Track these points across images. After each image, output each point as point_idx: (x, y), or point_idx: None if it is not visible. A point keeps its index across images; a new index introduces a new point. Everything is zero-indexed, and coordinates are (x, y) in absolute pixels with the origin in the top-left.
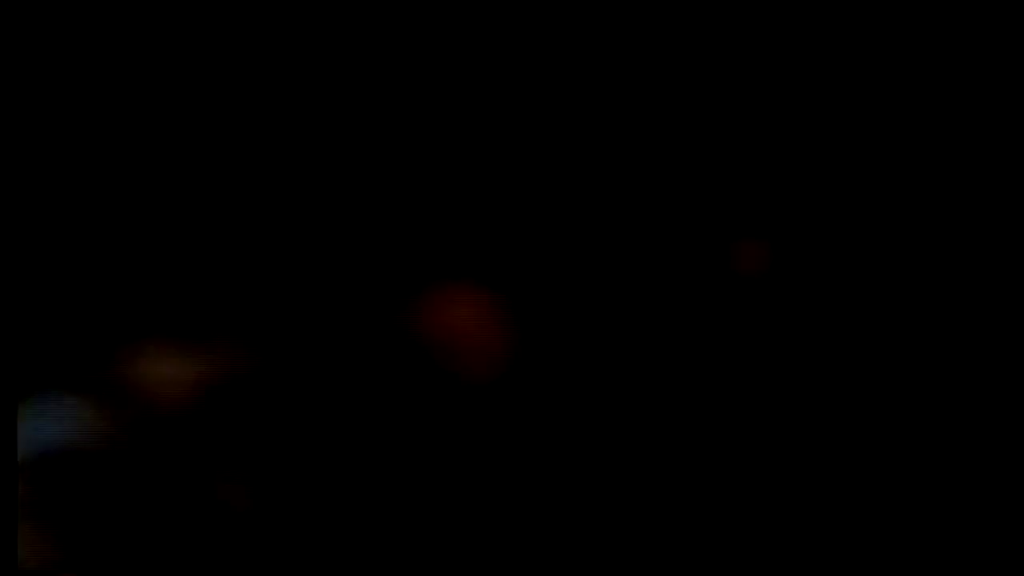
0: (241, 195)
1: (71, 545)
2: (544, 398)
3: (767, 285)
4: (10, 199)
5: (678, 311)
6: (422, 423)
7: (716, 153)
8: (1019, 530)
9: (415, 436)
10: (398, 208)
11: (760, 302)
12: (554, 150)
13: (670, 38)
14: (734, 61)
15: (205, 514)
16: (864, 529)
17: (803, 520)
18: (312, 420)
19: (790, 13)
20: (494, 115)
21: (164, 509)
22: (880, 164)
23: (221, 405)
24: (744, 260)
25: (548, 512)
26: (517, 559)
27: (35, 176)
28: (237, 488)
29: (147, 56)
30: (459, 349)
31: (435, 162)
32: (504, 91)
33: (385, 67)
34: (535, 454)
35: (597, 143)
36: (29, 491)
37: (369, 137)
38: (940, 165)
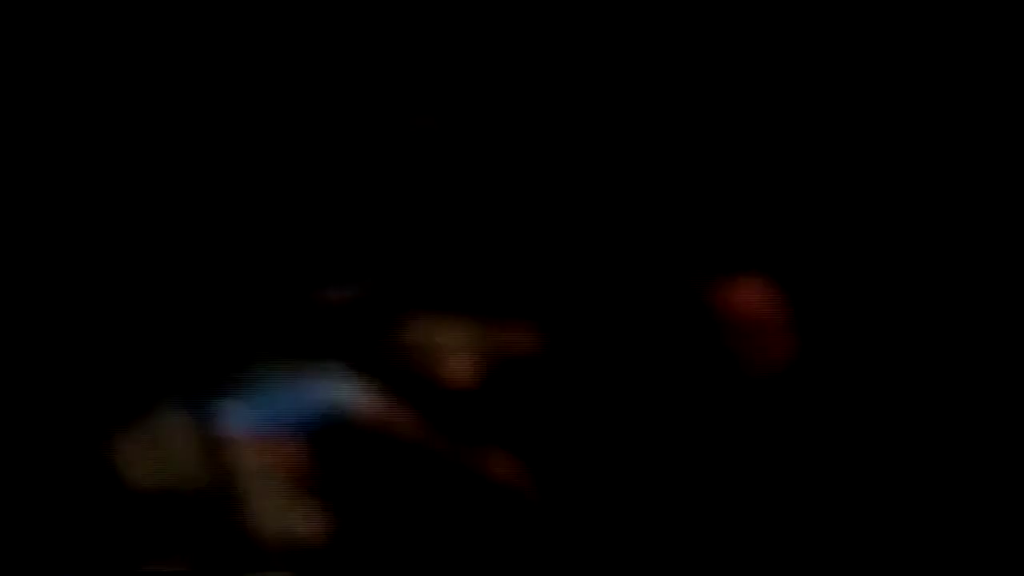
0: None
1: (343, 516)
2: (824, 392)
3: None
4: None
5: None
6: (708, 410)
7: None
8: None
9: (701, 423)
10: (694, 198)
11: None
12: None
13: None
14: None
15: (475, 488)
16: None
17: None
18: (595, 401)
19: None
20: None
21: (434, 481)
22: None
23: (505, 381)
24: None
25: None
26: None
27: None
28: (509, 464)
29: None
30: (749, 338)
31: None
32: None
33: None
34: (815, 445)
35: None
36: (304, 461)
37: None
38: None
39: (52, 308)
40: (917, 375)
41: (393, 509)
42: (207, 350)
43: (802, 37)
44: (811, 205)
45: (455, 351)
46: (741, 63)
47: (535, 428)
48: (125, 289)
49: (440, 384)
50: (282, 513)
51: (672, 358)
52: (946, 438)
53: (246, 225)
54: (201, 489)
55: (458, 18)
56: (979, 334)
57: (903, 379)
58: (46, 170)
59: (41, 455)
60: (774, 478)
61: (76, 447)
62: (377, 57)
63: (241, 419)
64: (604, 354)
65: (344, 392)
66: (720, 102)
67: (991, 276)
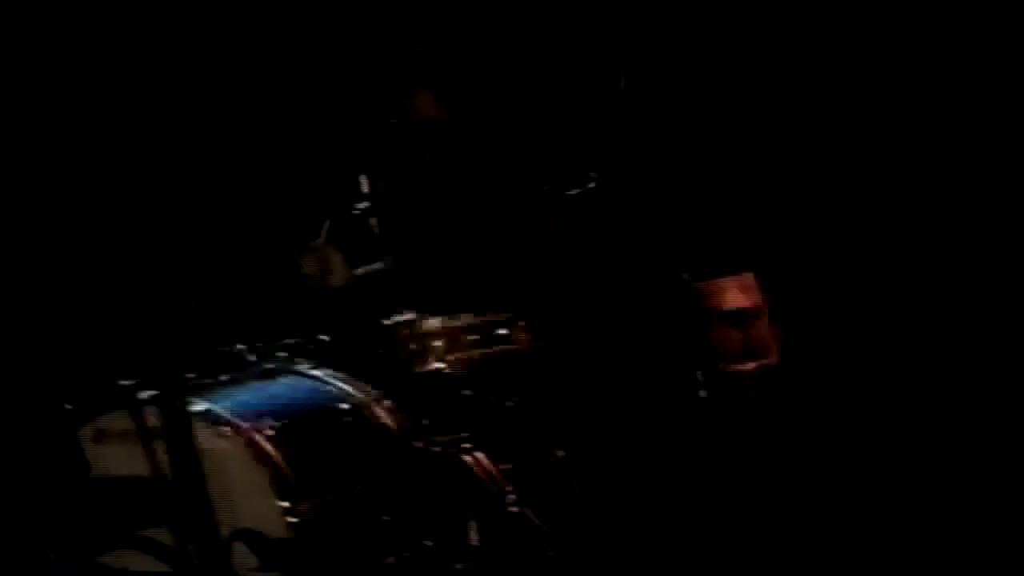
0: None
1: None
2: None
3: None
4: None
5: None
6: (691, 401)
7: None
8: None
9: (683, 413)
10: (685, 194)
11: None
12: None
13: None
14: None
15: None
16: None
17: None
18: (582, 393)
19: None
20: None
21: (410, 470)
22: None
23: (492, 374)
24: None
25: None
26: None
27: None
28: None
29: None
30: (735, 335)
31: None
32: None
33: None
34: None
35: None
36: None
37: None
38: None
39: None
40: (904, 368)
41: (367, 497)
42: (178, 338)
43: (783, 34)
44: (798, 203)
45: (440, 340)
46: (728, 60)
47: (519, 418)
48: (90, 270)
49: (424, 373)
50: (254, 502)
51: (658, 351)
52: (932, 429)
53: (226, 208)
54: (171, 478)
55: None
56: (965, 326)
57: (889, 372)
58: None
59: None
60: (758, 469)
61: (40, 438)
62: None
63: (215, 407)
64: (592, 346)
65: (323, 380)
66: (710, 101)
67: (975, 267)
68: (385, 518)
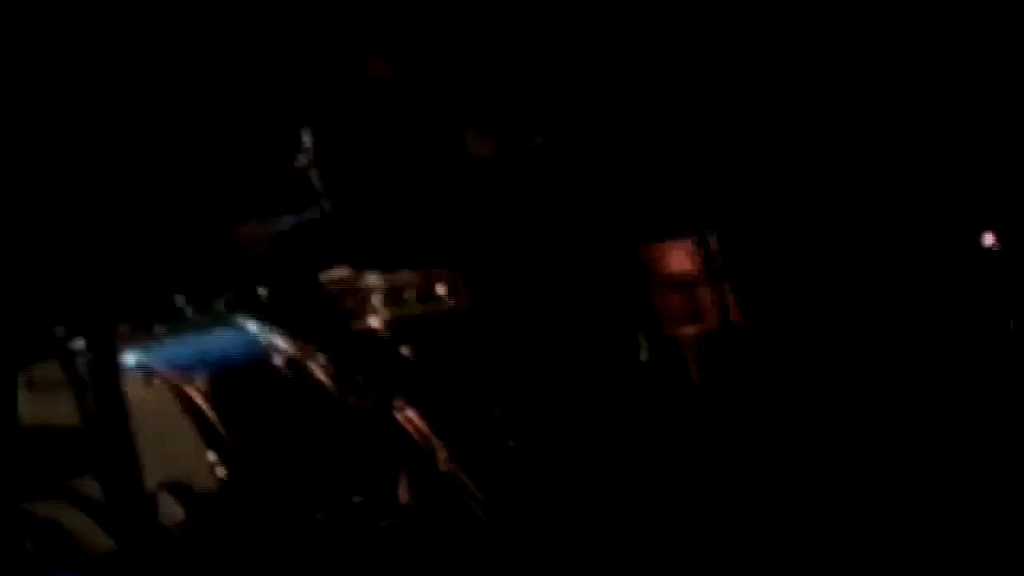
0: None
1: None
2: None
3: None
4: None
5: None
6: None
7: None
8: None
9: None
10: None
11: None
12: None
13: None
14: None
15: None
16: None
17: None
18: (520, 354)
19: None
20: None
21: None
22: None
23: (430, 331)
24: None
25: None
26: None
27: None
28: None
29: None
30: (678, 299)
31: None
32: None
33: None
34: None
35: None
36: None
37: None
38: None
39: None
40: (852, 336)
41: (297, 452)
42: (113, 287)
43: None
44: (753, 164)
45: (378, 297)
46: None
47: (457, 377)
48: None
49: (360, 329)
50: (183, 454)
51: (600, 313)
52: (885, 394)
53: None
54: (96, 429)
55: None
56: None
57: (845, 337)
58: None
59: None
60: (698, 434)
61: None
62: None
63: (148, 358)
64: (533, 306)
65: (255, 333)
66: (661, 63)
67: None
68: (314, 473)
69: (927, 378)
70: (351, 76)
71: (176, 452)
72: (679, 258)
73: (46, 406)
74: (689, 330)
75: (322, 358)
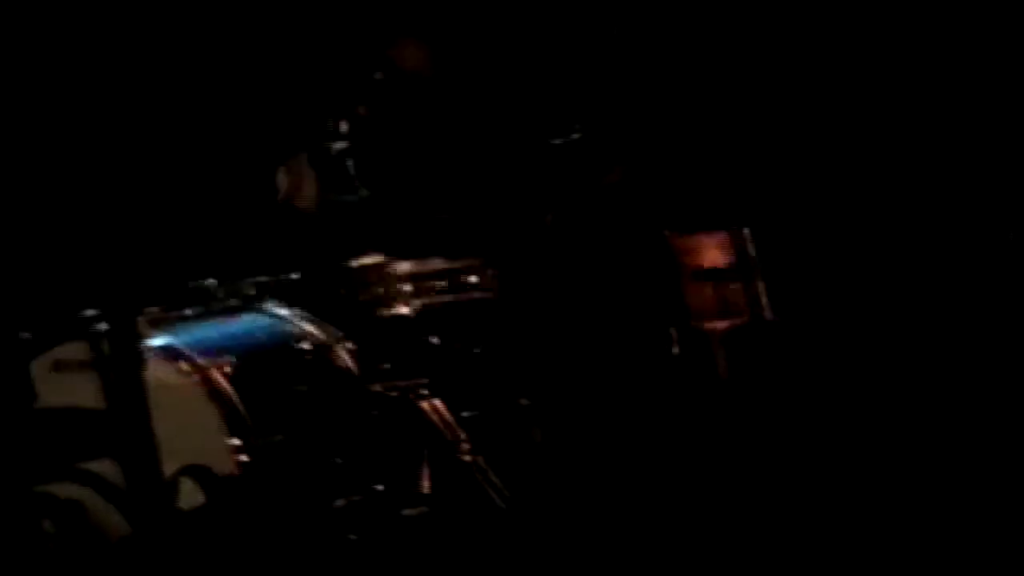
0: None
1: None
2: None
3: None
4: None
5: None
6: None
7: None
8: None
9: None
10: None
11: None
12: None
13: None
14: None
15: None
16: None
17: None
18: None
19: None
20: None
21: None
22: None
23: (459, 320)
24: None
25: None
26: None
27: None
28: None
29: None
30: (709, 293)
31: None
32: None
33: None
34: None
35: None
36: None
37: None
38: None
39: None
40: (883, 331)
41: (320, 438)
42: (139, 270)
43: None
44: (779, 162)
45: (408, 284)
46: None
47: (485, 366)
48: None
49: (389, 317)
50: (206, 438)
51: (632, 305)
52: (912, 391)
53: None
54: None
55: None
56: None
57: (868, 337)
58: None
59: None
60: (726, 428)
61: None
62: None
63: (175, 341)
64: (564, 296)
65: (283, 318)
66: (697, 54)
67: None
68: (337, 460)
69: (958, 373)
70: (387, 65)
71: (200, 435)
72: (712, 251)
73: (71, 387)
74: (720, 324)
75: (350, 345)
